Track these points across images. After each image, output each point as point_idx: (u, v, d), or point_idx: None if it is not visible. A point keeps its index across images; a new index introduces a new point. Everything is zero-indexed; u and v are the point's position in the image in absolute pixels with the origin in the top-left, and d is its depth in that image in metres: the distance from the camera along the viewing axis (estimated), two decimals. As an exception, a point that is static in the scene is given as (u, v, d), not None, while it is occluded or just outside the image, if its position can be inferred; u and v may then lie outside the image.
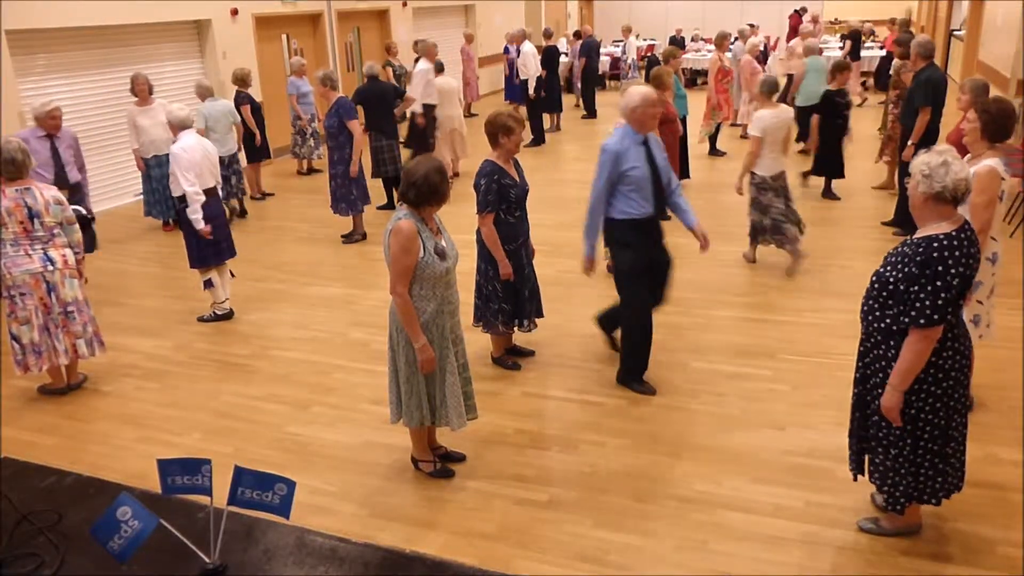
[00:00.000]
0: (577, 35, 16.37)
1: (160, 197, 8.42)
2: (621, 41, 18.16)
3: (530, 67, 12.50)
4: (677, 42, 20.33)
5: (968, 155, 4.01)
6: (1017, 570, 3.21)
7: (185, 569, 1.96)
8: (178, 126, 5.91)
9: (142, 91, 8.22)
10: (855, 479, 3.42)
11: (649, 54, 19.83)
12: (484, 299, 4.98)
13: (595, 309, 6.02)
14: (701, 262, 6.89)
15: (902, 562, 3.28)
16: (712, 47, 20.03)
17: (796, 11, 20.65)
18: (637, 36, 23.43)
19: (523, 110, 12.33)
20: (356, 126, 7.67)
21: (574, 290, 6.45)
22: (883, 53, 16.98)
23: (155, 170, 8.33)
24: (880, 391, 3.11)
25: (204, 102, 8.62)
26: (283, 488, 1.98)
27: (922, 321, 2.87)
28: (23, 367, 4.82)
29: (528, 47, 12.69)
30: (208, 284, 6.14)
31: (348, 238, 8.14)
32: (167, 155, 7.73)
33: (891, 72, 8.91)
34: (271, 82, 12.15)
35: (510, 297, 4.95)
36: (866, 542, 3.40)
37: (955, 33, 16.55)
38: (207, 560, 1.94)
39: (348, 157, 7.70)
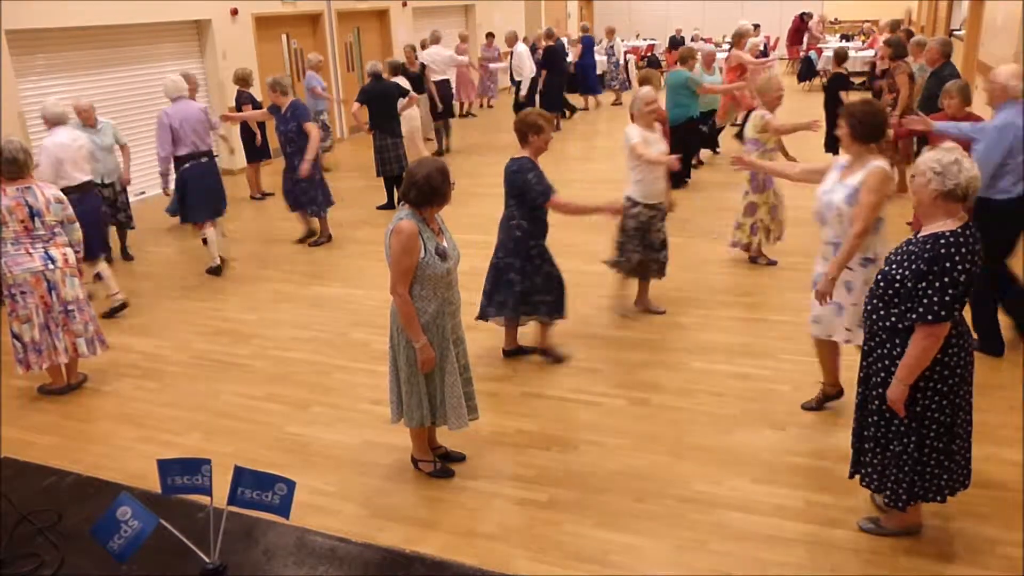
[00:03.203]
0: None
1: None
2: (599, 41, 17.62)
3: (524, 68, 12.39)
4: (677, 42, 20.35)
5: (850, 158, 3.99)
6: (1017, 570, 3.21)
7: (185, 569, 1.96)
8: (52, 121, 6.01)
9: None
10: (850, 476, 3.43)
11: (649, 54, 19.88)
12: (523, 293, 4.98)
13: (596, 308, 6.04)
14: (701, 262, 6.89)
15: (902, 562, 3.28)
16: (712, 46, 20.09)
17: (802, 13, 20.65)
18: (637, 36, 23.45)
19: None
20: (312, 127, 7.45)
21: (575, 290, 6.41)
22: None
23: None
24: (879, 391, 3.12)
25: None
26: (283, 488, 1.97)
27: (930, 317, 2.88)
28: (25, 365, 4.83)
29: (522, 48, 12.60)
30: (97, 277, 6.28)
31: (314, 242, 8.00)
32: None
33: (884, 75, 8.85)
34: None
35: (554, 288, 5.04)
36: (866, 542, 3.40)
37: (955, 33, 16.54)
38: (207, 560, 1.94)
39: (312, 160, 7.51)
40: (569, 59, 16.15)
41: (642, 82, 7.92)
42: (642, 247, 5.59)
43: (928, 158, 2.95)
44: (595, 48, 16.05)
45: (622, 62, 16.64)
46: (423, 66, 11.48)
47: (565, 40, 17.42)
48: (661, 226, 5.67)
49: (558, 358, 5.22)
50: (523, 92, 12.45)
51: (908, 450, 3.13)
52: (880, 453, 3.21)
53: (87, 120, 6.93)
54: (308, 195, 7.78)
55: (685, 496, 3.77)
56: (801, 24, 20.37)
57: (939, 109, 5.87)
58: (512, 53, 12.79)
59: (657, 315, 5.84)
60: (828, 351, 4.34)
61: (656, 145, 5.48)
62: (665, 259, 5.75)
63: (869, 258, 3.94)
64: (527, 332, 5.35)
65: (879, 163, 3.84)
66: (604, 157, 11.69)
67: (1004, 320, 5.02)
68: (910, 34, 11.79)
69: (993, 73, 4.87)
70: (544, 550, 3.45)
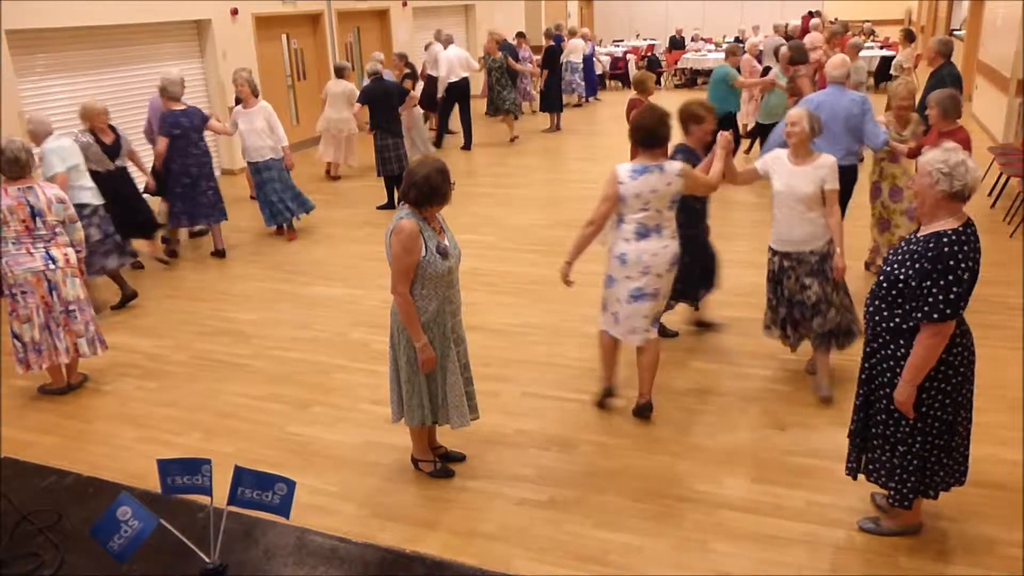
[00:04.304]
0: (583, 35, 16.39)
1: (263, 203, 8.04)
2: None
3: (441, 69, 12.34)
4: (677, 42, 20.37)
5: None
6: (1017, 570, 3.21)
7: (185, 569, 1.96)
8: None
9: (243, 92, 7.78)
10: (855, 478, 3.42)
11: (649, 54, 19.88)
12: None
13: (595, 307, 6.02)
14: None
15: (902, 562, 3.28)
16: (712, 46, 20.09)
17: (809, 12, 20.64)
18: (637, 36, 23.42)
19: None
20: (162, 142, 7.20)
21: (575, 290, 6.42)
22: (883, 53, 16.99)
23: (254, 176, 7.98)
24: (885, 391, 3.12)
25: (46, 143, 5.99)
26: (283, 488, 1.97)
27: (935, 316, 2.88)
28: (25, 365, 4.83)
29: (436, 47, 12.54)
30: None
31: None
32: (265, 162, 7.79)
33: (789, 78, 8.82)
34: (271, 82, 12.14)
35: (686, 279, 5.06)
36: (866, 542, 3.40)
37: (955, 33, 16.55)
38: (207, 560, 1.94)
39: (186, 167, 7.30)
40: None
41: (636, 84, 7.93)
42: (775, 299, 4.64)
43: (934, 159, 2.91)
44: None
45: (568, 61, 16.14)
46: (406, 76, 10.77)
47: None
48: (807, 282, 4.44)
49: (710, 324, 5.54)
50: (440, 92, 12.35)
51: (913, 450, 3.13)
52: (889, 451, 3.20)
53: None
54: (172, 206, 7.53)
55: (685, 496, 3.77)
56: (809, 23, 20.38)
57: None
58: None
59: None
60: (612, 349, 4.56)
61: (804, 184, 4.33)
62: (821, 328, 4.47)
63: (617, 256, 4.25)
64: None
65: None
66: (605, 157, 11.69)
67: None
68: (910, 33, 11.74)
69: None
70: (544, 550, 3.45)
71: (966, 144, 5.21)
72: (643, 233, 4.16)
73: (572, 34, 16.11)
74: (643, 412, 4.45)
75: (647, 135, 4.14)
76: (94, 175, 6.42)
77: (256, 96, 7.83)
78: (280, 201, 7.99)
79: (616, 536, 3.52)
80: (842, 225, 4.42)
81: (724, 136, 4.42)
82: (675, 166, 4.17)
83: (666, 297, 4.41)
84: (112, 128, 6.67)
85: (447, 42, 12.46)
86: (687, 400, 4.66)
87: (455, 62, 12.17)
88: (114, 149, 6.63)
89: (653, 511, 3.68)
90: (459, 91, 12.19)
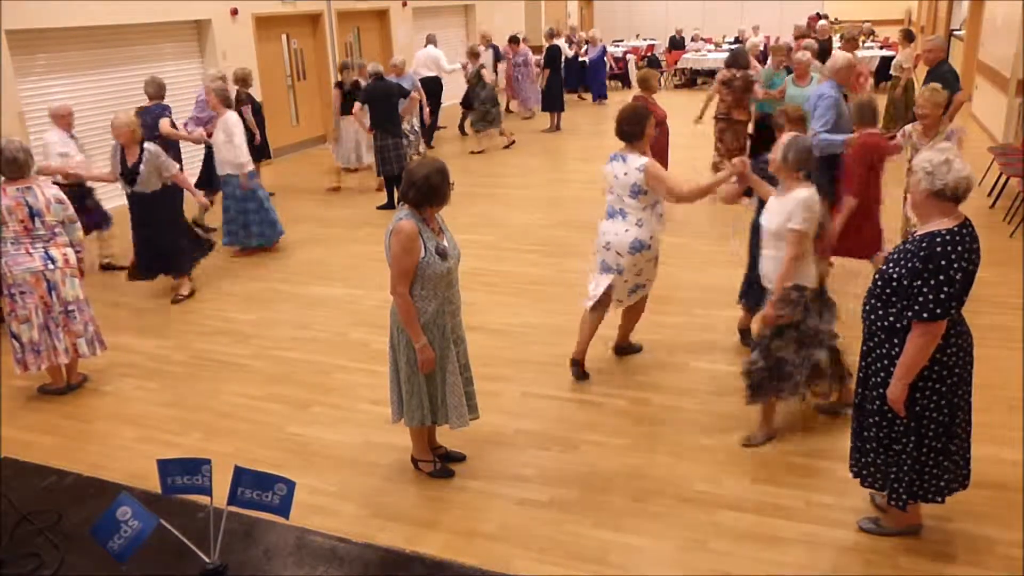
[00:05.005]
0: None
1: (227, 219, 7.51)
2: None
3: (411, 66, 12.43)
4: (677, 42, 20.37)
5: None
6: (1018, 570, 3.21)
7: (185, 569, 1.96)
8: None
9: (210, 101, 7.24)
10: (854, 476, 3.42)
11: (649, 54, 19.89)
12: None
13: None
14: (703, 263, 6.89)
15: (902, 562, 3.28)
16: (712, 46, 20.08)
17: (817, 14, 20.66)
18: (637, 36, 23.41)
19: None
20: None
21: (575, 290, 6.43)
22: (883, 53, 16.99)
23: (224, 188, 7.44)
24: (879, 391, 3.12)
25: None
26: (283, 488, 1.98)
27: (925, 315, 2.88)
28: (23, 366, 4.82)
29: (422, 53, 12.59)
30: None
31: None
32: (223, 177, 7.28)
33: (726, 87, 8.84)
34: (271, 82, 12.15)
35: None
36: (866, 542, 3.40)
37: (955, 33, 16.56)
38: (207, 560, 1.94)
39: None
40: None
41: (640, 82, 7.92)
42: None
43: (922, 158, 2.95)
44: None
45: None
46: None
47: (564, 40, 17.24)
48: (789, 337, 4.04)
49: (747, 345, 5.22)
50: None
51: (907, 450, 3.13)
52: (883, 453, 3.21)
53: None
54: None
55: (685, 496, 3.77)
56: (817, 23, 20.44)
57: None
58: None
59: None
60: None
61: (771, 216, 3.98)
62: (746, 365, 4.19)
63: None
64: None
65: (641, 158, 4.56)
66: (604, 157, 11.68)
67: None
68: (909, 34, 11.74)
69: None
70: (544, 550, 3.45)
71: (875, 148, 5.27)
72: (611, 214, 4.73)
73: (554, 36, 15.51)
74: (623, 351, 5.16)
75: (616, 128, 4.66)
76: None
77: (228, 107, 7.19)
78: (230, 222, 7.48)
79: (616, 536, 3.52)
80: (790, 271, 3.84)
81: (734, 163, 4.37)
82: (639, 160, 4.50)
83: (644, 281, 4.83)
84: (142, 148, 5.94)
85: (427, 41, 12.81)
86: (687, 400, 4.66)
87: (422, 60, 12.50)
88: (130, 172, 5.98)
89: (653, 511, 3.68)
90: (424, 88, 12.08)
